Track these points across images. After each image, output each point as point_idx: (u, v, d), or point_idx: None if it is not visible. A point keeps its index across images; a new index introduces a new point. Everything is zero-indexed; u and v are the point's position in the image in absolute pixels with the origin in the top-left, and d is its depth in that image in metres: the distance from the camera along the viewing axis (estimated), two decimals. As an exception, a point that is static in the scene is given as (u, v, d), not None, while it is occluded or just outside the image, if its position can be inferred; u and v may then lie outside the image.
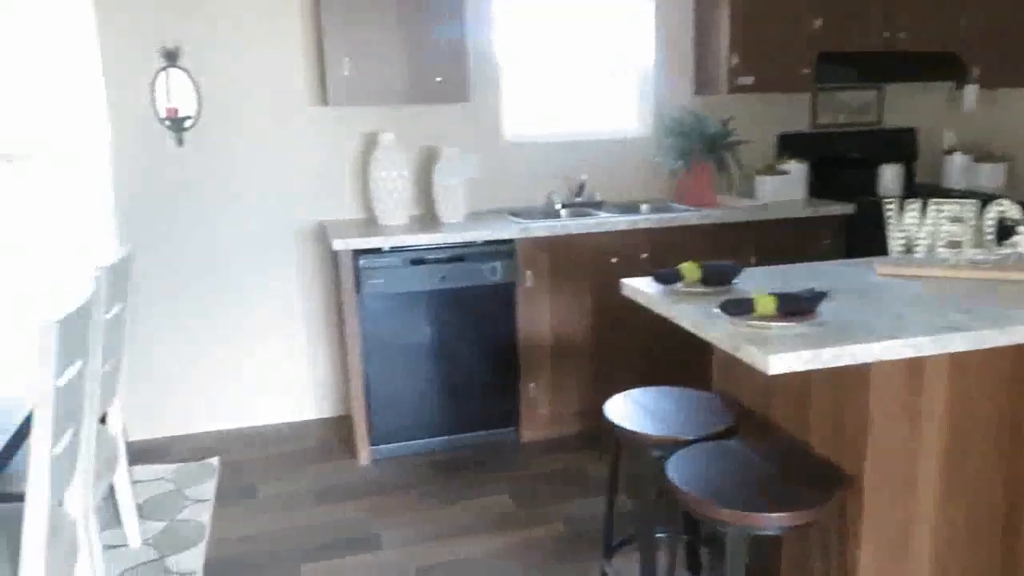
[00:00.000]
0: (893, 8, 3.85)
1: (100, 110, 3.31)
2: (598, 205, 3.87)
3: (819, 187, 4.13)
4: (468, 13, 3.43)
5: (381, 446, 3.36)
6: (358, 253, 3.15)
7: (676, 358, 3.62)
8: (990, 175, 4.02)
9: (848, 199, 3.85)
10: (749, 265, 3.63)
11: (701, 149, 3.74)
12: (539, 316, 3.41)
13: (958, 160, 4.15)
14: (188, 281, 3.58)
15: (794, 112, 4.24)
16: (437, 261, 3.23)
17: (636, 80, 4.02)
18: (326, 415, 3.88)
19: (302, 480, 3.23)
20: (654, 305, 2.14)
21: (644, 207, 3.87)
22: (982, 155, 4.11)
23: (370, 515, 2.94)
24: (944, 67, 3.99)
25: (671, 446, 2.03)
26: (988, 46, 3.91)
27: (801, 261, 3.66)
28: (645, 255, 3.48)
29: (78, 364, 1.80)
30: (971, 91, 3.95)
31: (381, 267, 3.17)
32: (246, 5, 3.42)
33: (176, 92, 3.34)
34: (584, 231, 3.37)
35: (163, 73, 3.32)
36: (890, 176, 4.00)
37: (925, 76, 4.08)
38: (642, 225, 3.44)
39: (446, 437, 3.43)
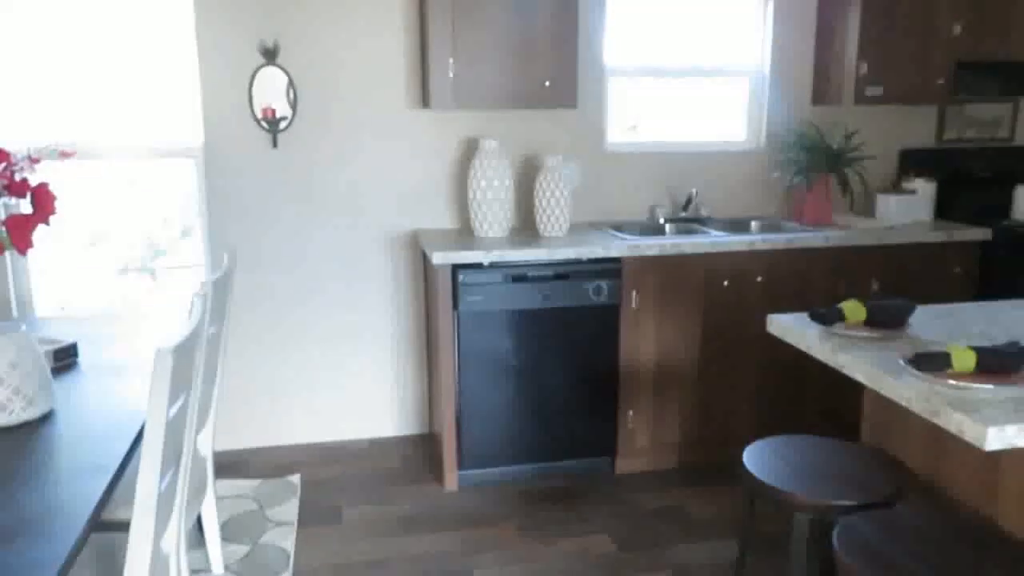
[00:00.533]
0: (1040, 14, 3.51)
1: (196, 108, 3.19)
2: (704, 221, 3.61)
3: (944, 208, 3.80)
4: (580, 15, 3.21)
5: (469, 471, 3.17)
6: (457, 268, 2.96)
7: (792, 395, 3.35)
8: None
9: (976, 222, 3.51)
10: (870, 293, 3.36)
11: (823, 165, 3.45)
12: (643, 341, 3.17)
13: (1103, 183, 3.77)
14: (274, 288, 3.45)
15: (918, 125, 3.91)
16: (540, 279, 3.02)
17: (747, 88, 3.75)
18: (406, 433, 3.71)
19: (388, 504, 3.05)
20: (813, 349, 1.88)
21: (754, 224, 3.61)
22: None
23: (463, 549, 2.75)
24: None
25: (825, 511, 1.79)
26: None
27: (929, 291, 3.39)
28: (760, 278, 3.22)
29: (186, 392, 1.65)
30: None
31: (481, 283, 2.97)
32: (349, 3, 3.26)
33: (273, 91, 3.19)
34: (696, 251, 3.12)
35: (261, 71, 3.17)
36: (1029, 199, 3.64)
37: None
38: (760, 246, 3.17)
39: (537, 464, 3.22)
